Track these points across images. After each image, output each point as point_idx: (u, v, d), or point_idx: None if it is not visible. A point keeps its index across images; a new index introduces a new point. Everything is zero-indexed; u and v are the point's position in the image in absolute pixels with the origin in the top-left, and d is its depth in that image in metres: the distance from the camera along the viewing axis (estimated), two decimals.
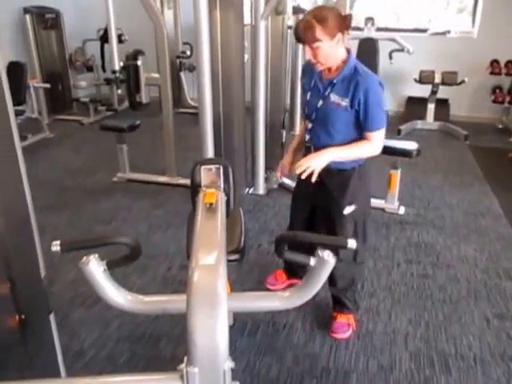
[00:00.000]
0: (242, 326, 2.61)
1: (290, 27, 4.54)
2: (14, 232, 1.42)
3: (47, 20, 6.67)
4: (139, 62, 4.43)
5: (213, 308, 1.00)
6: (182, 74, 6.70)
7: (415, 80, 6.29)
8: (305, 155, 2.29)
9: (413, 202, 4.20)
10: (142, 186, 4.54)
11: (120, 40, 4.69)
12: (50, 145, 5.78)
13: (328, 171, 2.20)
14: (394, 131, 5.84)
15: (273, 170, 4.43)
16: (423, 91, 6.40)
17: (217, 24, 3.72)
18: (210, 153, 3.87)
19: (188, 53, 6.59)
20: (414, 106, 6.72)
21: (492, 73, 6.39)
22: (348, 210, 2.30)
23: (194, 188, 1.68)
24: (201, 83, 3.68)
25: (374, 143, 2.15)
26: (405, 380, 2.29)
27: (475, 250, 3.43)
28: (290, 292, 1.30)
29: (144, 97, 4.62)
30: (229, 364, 1.03)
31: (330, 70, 2.15)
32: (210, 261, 1.13)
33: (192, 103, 6.86)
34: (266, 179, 4.43)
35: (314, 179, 2.12)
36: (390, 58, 6.28)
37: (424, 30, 6.85)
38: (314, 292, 1.28)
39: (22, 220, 1.49)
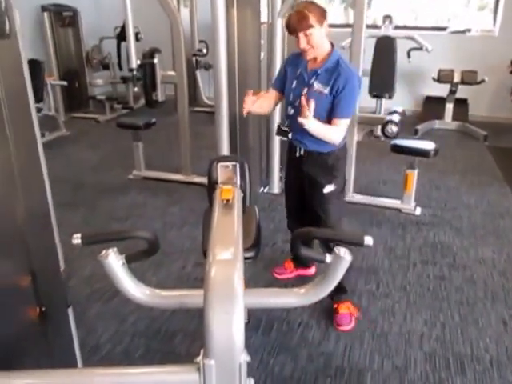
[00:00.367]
0: (257, 324, 2.61)
1: None
2: (35, 226, 1.45)
3: (65, 18, 6.75)
4: (156, 60, 4.46)
5: (229, 302, 1.01)
6: (197, 73, 6.74)
7: (433, 79, 6.22)
8: (289, 145, 2.61)
9: (429, 203, 4.16)
10: (157, 183, 4.57)
11: (136, 38, 4.74)
12: (66, 142, 5.85)
13: (309, 154, 2.50)
14: (410, 131, 5.78)
15: None
16: (442, 90, 6.33)
17: (234, 22, 3.73)
18: (225, 151, 3.89)
19: (204, 51, 6.61)
20: (432, 106, 6.65)
21: None
22: (328, 188, 2.53)
23: (211, 185, 1.70)
24: (217, 81, 3.70)
25: (338, 129, 2.37)
26: (419, 381, 2.27)
27: (493, 252, 3.39)
28: (306, 289, 1.30)
29: (160, 95, 4.65)
30: (244, 357, 1.04)
31: (315, 60, 2.38)
32: (227, 256, 1.14)
33: (207, 102, 6.90)
34: (281, 178, 4.43)
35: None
36: (408, 56, 6.21)
37: (443, 28, 6.77)
38: (329, 289, 1.28)
39: (42, 214, 1.52)
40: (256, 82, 4.01)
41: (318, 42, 2.28)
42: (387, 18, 6.28)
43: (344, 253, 1.24)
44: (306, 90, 2.38)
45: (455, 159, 5.27)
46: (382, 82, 5.82)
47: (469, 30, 6.62)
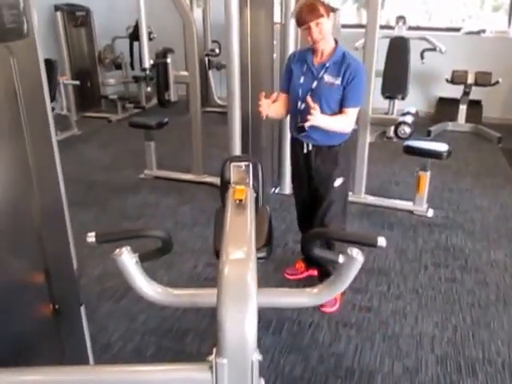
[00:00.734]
0: (267, 324, 2.61)
1: None
2: (49, 225, 1.46)
3: (77, 18, 6.79)
4: (169, 60, 4.48)
5: (243, 301, 1.02)
6: (210, 73, 6.75)
7: (447, 80, 6.17)
8: (292, 143, 2.71)
9: (442, 205, 4.13)
10: (168, 183, 4.59)
11: (149, 38, 4.76)
12: (78, 142, 5.88)
13: (318, 149, 2.56)
14: (423, 132, 5.74)
15: None
16: (455, 92, 6.27)
17: (247, 22, 3.74)
18: (237, 151, 3.89)
19: (217, 51, 6.62)
20: (445, 107, 6.59)
21: None
22: (338, 182, 2.60)
23: (224, 184, 1.70)
24: (230, 82, 3.70)
25: (348, 118, 2.47)
26: (431, 383, 2.26)
27: (506, 255, 3.35)
28: (318, 289, 1.30)
29: (173, 95, 4.67)
30: (256, 356, 1.05)
31: (322, 55, 2.47)
32: (240, 255, 1.15)
33: (219, 102, 6.91)
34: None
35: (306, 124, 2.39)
36: (422, 57, 6.17)
37: (457, 29, 6.72)
38: (342, 289, 1.29)
39: (57, 213, 1.53)
40: (269, 83, 4.01)
41: (327, 32, 2.38)
42: (401, 18, 6.23)
43: (357, 253, 1.24)
44: (315, 83, 2.46)
45: (468, 161, 5.23)
46: (395, 83, 5.79)
47: (483, 31, 6.55)
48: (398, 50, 5.87)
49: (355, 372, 2.32)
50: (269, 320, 2.64)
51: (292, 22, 3.80)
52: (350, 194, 3.98)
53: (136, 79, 6.96)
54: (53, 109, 5.82)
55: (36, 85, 1.41)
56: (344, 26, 5.81)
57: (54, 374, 1.12)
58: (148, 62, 4.32)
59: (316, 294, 1.30)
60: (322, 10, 2.32)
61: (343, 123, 2.48)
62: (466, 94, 6.18)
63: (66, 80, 6.26)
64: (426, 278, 3.09)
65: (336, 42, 2.49)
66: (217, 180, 1.83)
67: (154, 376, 1.11)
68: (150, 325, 2.63)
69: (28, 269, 1.40)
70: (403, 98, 5.80)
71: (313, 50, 2.51)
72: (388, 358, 2.40)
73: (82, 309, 1.73)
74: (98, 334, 2.52)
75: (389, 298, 2.87)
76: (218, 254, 1.27)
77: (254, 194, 1.66)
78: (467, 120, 6.29)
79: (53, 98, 5.70)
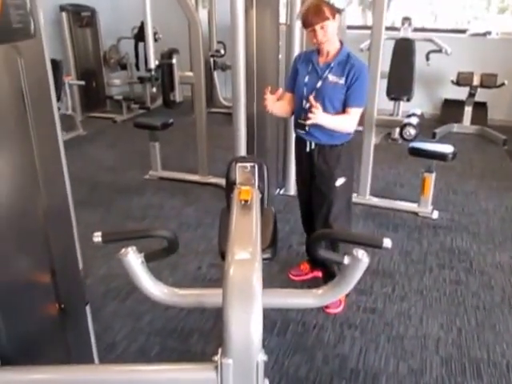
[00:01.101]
0: (272, 325, 2.61)
1: None
2: (55, 224, 1.47)
3: (83, 18, 6.79)
4: (174, 61, 4.49)
5: (248, 301, 1.02)
6: (215, 73, 6.75)
7: (452, 82, 6.15)
8: (297, 141, 2.73)
9: (447, 207, 4.12)
10: (173, 184, 4.59)
11: (154, 38, 4.77)
12: (83, 142, 5.89)
13: (321, 147, 2.58)
14: (428, 134, 5.72)
15: None
16: (460, 94, 6.25)
17: (252, 23, 3.74)
18: (242, 152, 3.89)
19: (222, 52, 6.63)
20: (451, 109, 6.57)
21: None
22: (340, 181, 2.61)
23: (229, 185, 1.70)
24: (235, 82, 3.71)
25: (352, 117, 2.49)
26: None
27: (511, 257, 3.34)
28: (323, 290, 1.30)
29: (178, 95, 4.67)
30: (262, 356, 1.05)
31: (327, 55, 2.50)
32: (245, 256, 1.15)
33: (224, 103, 6.91)
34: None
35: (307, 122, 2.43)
36: (427, 59, 6.15)
37: (463, 31, 6.70)
38: (347, 290, 1.29)
39: (63, 213, 1.54)
40: (274, 84, 3.99)
41: (332, 34, 2.41)
42: (406, 20, 6.22)
43: (362, 255, 1.24)
44: (320, 82, 2.49)
45: (473, 163, 5.21)
46: (401, 85, 5.77)
47: (489, 33, 6.52)
48: (404, 51, 5.86)
49: (360, 373, 2.31)
50: (273, 321, 2.64)
51: (298, 23, 3.81)
52: (355, 195, 3.99)
53: (141, 80, 6.97)
54: (58, 109, 5.82)
55: (43, 85, 1.41)
56: (349, 28, 5.80)
57: (60, 372, 1.13)
58: (153, 63, 4.32)
59: (321, 295, 1.30)
60: (327, 12, 2.35)
61: (346, 123, 2.50)
62: (471, 95, 6.15)
63: (71, 80, 6.27)
64: (431, 279, 3.08)
65: (341, 42, 2.52)
66: (222, 181, 1.84)
67: (160, 376, 1.12)
68: (155, 325, 2.63)
69: (34, 268, 1.41)
70: (408, 100, 5.78)
71: (318, 51, 2.53)
72: (393, 360, 2.40)
73: (88, 308, 1.73)
74: (103, 333, 2.52)
75: (393, 300, 2.86)
76: (223, 254, 1.28)
77: (260, 195, 1.66)
78: (472, 122, 6.27)
79: (58, 99, 5.69)
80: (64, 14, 6.51)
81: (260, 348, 1.04)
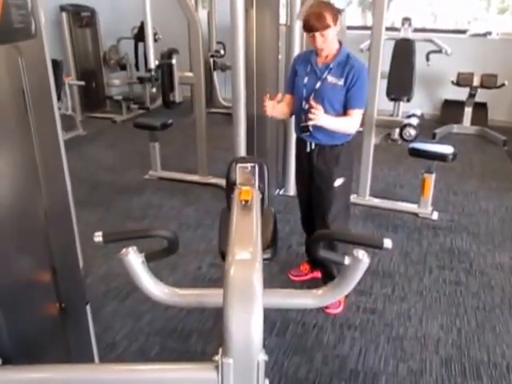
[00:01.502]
0: (271, 326, 2.61)
1: None
2: (56, 223, 1.47)
3: (83, 18, 6.79)
4: (174, 61, 4.49)
5: (249, 301, 1.02)
6: (214, 74, 6.75)
7: (452, 82, 6.15)
8: (297, 142, 2.74)
9: (447, 208, 4.12)
10: (173, 184, 4.59)
11: (154, 39, 4.76)
12: (83, 142, 5.89)
13: (321, 148, 2.58)
14: (428, 135, 5.72)
15: None
16: (460, 94, 6.25)
17: (252, 23, 3.74)
18: (242, 152, 3.89)
19: (221, 52, 6.63)
20: (451, 110, 6.57)
21: None
22: (338, 182, 2.61)
23: (229, 185, 1.70)
24: (235, 83, 3.71)
25: (354, 119, 2.49)
26: None
27: (511, 258, 3.34)
28: (323, 290, 1.30)
29: (177, 96, 4.67)
30: (262, 356, 1.05)
31: (326, 56, 2.49)
32: (246, 256, 1.15)
33: (224, 103, 6.92)
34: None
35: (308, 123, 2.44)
36: (427, 59, 6.16)
37: (463, 31, 6.70)
38: (347, 291, 1.29)
39: (63, 212, 1.54)
40: (274, 84, 4.01)
41: (331, 40, 2.41)
42: (406, 20, 6.22)
43: (362, 255, 1.24)
44: (319, 83, 2.49)
45: (473, 164, 5.21)
46: (401, 85, 5.77)
47: (489, 33, 6.53)
48: (404, 51, 5.86)
49: (359, 374, 2.31)
50: (273, 322, 2.64)
51: (298, 24, 3.81)
52: (355, 195, 3.99)
53: (141, 80, 6.97)
54: (58, 109, 5.83)
55: (43, 85, 1.41)
56: (349, 28, 5.81)
57: (61, 371, 1.13)
58: (153, 63, 4.32)
59: (321, 296, 1.30)
60: (329, 19, 2.33)
61: (348, 124, 2.51)
62: (471, 96, 6.16)
63: (71, 80, 6.27)
64: (431, 280, 3.08)
65: (340, 43, 2.51)
66: (221, 181, 1.84)
67: (160, 375, 1.12)
68: (155, 325, 2.63)
69: (35, 267, 1.41)
70: (408, 100, 5.79)
71: (317, 51, 2.53)
72: (392, 360, 2.40)
73: (88, 308, 1.73)
74: (103, 333, 2.53)
75: (393, 301, 2.86)
76: (223, 254, 1.28)
77: (260, 195, 1.66)
78: (472, 122, 6.27)
79: (58, 99, 5.67)
80: (64, 15, 6.51)
81: (261, 348, 1.04)
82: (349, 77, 2.42)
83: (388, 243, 1.26)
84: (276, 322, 2.65)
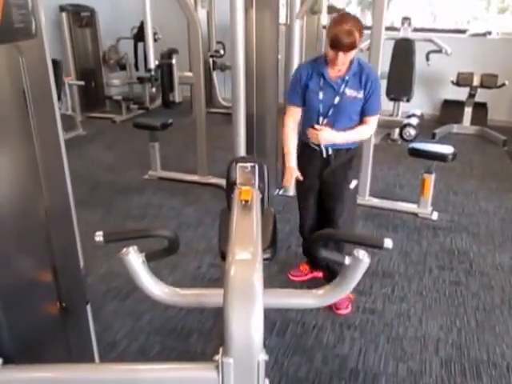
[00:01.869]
0: (271, 326, 2.61)
1: (324, 27, 4.53)
2: (57, 223, 1.47)
3: (82, 18, 6.79)
4: (173, 61, 4.49)
5: (249, 301, 1.02)
6: (214, 74, 6.75)
7: (452, 82, 6.15)
8: (305, 149, 2.63)
9: (447, 208, 4.12)
10: (173, 184, 4.60)
11: (154, 38, 4.76)
12: (82, 142, 5.89)
13: (338, 151, 2.55)
14: (428, 135, 5.73)
15: None
16: (460, 94, 6.26)
17: (252, 23, 3.75)
18: (242, 152, 3.89)
19: (221, 52, 6.63)
20: (450, 110, 6.58)
21: None
22: (353, 184, 2.62)
23: (229, 185, 1.70)
24: (235, 83, 3.71)
25: (370, 126, 2.50)
26: None
27: (511, 258, 3.34)
28: (324, 290, 1.31)
29: (177, 95, 4.67)
30: (263, 356, 1.05)
31: (339, 70, 2.39)
32: (246, 256, 1.15)
33: (223, 103, 6.91)
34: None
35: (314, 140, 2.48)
36: (427, 59, 6.15)
37: (463, 31, 6.70)
38: (348, 291, 1.29)
39: (64, 212, 1.54)
40: (274, 84, 4.02)
41: (352, 58, 2.35)
42: (406, 20, 6.21)
43: (363, 255, 1.25)
44: (337, 98, 2.42)
45: (473, 164, 5.21)
46: (400, 85, 5.77)
47: (489, 33, 6.53)
48: (403, 51, 5.86)
49: (359, 374, 2.32)
50: (273, 321, 2.64)
51: (297, 24, 3.81)
52: None
53: (140, 80, 6.97)
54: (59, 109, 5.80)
55: (44, 84, 1.41)
56: None
57: (61, 371, 1.13)
58: (153, 63, 4.32)
59: (321, 296, 1.30)
60: (357, 39, 2.22)
61: (364, 132, 2.53)
62: (471, 96, 6.16)
63: (70, 80, 6.27)
64: (431, 280, 3.08)
65: None
66: (221, 181, 1.84)
67: (161, 375, 1.12)
68: (155, 324, 2.63)
69: (36, 267, 1.41)
70: (408, 100, 5.79)
71: (325, 61, 2.41)
72: (392, 360, 2.40)
73: (88, 307, 1.73)
74: (103, 332, 2.53)
75: (393, 301, 2.86)
76: (223, 254, 1.28)
77: (260, 195, 1.66)
78: (472, 122, 6.27)
79: (58, 99, 5.68)
80: (64, 15, 6.51)
81: (261, 347, 1.04)
82: (367, 87, 2.39)
83: (388, 243, 1.26)
84: (276, 321, 2.65)
